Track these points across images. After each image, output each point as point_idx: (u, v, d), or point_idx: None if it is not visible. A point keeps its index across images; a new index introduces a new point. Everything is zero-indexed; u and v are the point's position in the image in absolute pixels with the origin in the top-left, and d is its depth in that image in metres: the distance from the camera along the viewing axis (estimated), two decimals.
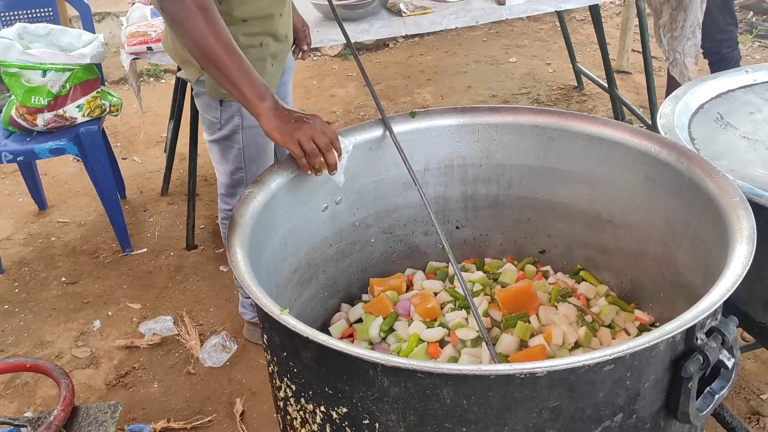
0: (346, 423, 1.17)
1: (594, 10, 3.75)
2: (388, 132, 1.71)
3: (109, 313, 2.63)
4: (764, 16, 5.10)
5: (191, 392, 2.27)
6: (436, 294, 1.74)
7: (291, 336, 1.18)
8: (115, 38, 4.84)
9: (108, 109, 2.96)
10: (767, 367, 2.23)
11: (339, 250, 1.80)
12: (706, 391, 1.16)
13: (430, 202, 1.89)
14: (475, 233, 1.93)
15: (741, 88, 1.91)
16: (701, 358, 1.11)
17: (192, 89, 2.14)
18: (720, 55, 3.50)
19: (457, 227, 1.93)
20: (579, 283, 1.76)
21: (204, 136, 2.11)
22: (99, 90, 2.92)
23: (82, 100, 2.84)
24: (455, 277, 1.76)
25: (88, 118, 2.86)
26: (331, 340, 1.09)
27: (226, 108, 1.96)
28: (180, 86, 3.27)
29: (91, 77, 2.87)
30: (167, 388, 2.29)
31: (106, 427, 1.23)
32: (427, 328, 1.56)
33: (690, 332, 1.10)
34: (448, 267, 1.87)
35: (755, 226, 1.25)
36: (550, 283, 1.75)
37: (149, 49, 2.64)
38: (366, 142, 1.75)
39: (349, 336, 1.69)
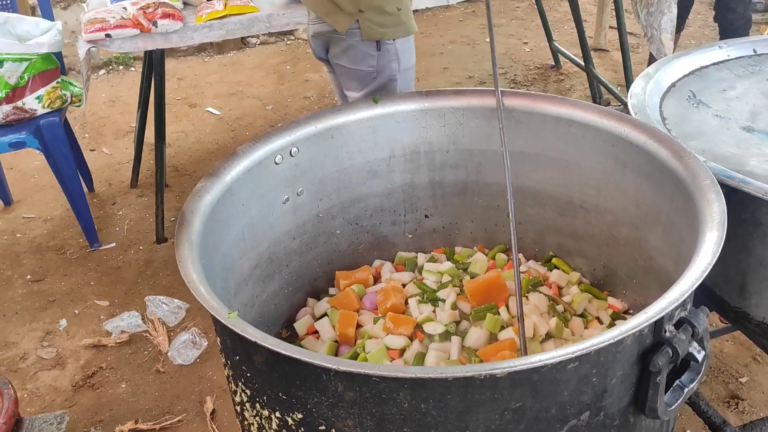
0: (303, 429, 1.12)
1: None
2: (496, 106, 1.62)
3: (76, 311, 2.56)
4: None
5: (160, 391, 2.20)
6: (404, 285, 1.68)
7: (241, 340, 1.11)
8: (81, 25, 4.72)
9: (70, 100, 2.86)
10: (746, 350, 2.20)
11: (303, 243, 1.74)
12: (675, 384, 1.11)
13: (397, 190, 1.84)
14: (444, 221, 1.87)
15: (714, 64, 1.86)
16: (670, 352, 1.06)
17: (327, 57, 2.04)
18: (737, 14, 3.51)
19: (426, 216, 1.87)
20: (551, 270, 1.71)
21: (351, 95, 2.00)
22: (59, 80, 2.82)
23: (41, 91, 2.74)
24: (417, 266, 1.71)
25: (48, 110, 2.76)
26: (281, 344, 1.03)
27: (384, 52, 1.90)
28: (147, 74, 3.18)
29: (50, 67, 2.77)
30: (135, 387, 2.22)
31: None
32: (392, 333, 1.50)
33: (658, 325, 1.05)
34: (416, 257, 1.81)
35: (726, 210, 1.20)
36: (521, 272, 1.70)
37: (108, 36, 2.54)
38: (327, 129, 1.69)
39: (315, 332, 1.63)
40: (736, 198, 1.34)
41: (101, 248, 2.90)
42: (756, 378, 2.11)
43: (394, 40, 1.90)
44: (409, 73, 1.99)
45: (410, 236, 1.88)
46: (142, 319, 2.47)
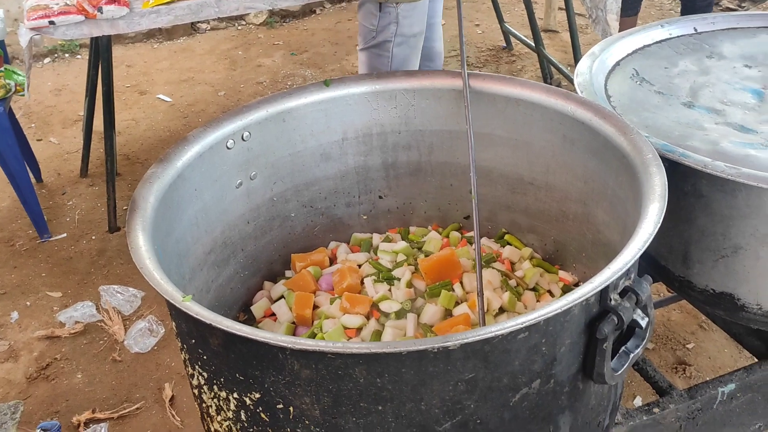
0: (261, 409, 1.13)
1: None
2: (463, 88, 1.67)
3: (28, 303, 2.51)
4: None
5: (117, 380, 2.19)
6: (359, 266, 1.70)
7: (196, 323, 1.12)
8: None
9: (14, 89, 2.79)
10: (692, 318, 2.28)
11: (257, 226, 1.73)
12: (621, 350, 1.16)
13: (351, 173, 1.85)
14: (398, 202, 1.89)
15: (656, 43, 1.91)
16: (615, 319, 1.10)
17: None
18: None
19: (380, 197, 1.88)
20: (504, 246, 1.75)
21: (358, 47, 2.26)
22: (2, 69, 2.76)
23: None
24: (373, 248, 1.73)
25: None
26: (236, 325, 1.04)
27: (385, 14, 2.10)
28: (94, 61, 3.12)
29: None
30: (92, 377, 2.20)
31: (6, 428, 1.16)
32: (348, 313, 1.51)
33: (604, 294, 1.09)
34: (371, 238, 1.83)
35: (667, 183, 1.24)
36: (474, 249, 1.72)
37: (51, 23, 2.48)
38: (279, 113, 1.68)
39: (272, 315, 1.63)
40: (678, 171, 1.39)
41: (52, 239, 2.85)
42: (702, 344, 2.19)
43: (396, 4, 2.05)
44: (408, 41, 2.14)
45: (365, 218, 1.90)
46: (97, 309, 2.44)
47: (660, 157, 1.33)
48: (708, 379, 1.59)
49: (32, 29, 2.49)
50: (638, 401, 2.00)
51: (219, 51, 4.63)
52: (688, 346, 2.19)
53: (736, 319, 1.57)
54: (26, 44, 2.50)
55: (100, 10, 2.52)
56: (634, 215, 1.28)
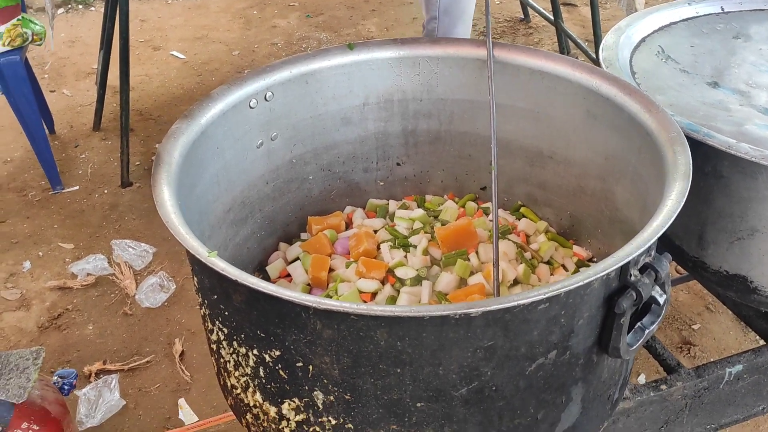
0: (279, 366, 1.15)
1: None
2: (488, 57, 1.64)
3: (40, 253, 2.54)
4: None
5: (128, 333, 2.22)
6: (376, 231, 1.71)
7: (220, 279, 1.13)
8: None
9: (30, 38, 2.78)
10: (699, 299, 2.30)
11: (276, 187, 1.74)
12: (636, 326, 1.17)
13: (370, 138, 1.85)
14: (416, 170, 1.89)
15: (683, 20, 1.89)
16: (634, 294, 1.11)
17: None
18: None
19: (398, 164, 1.88)
20: (519, 219, 1.75)
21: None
22: (20, 17, 2.73)
23: (1, 29, 2.66)
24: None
25: (8, 48, 2.68)
26: (262, 283, 1.05)
27: None
28: (110, 14, 3.09)
29: (10, 3, 2.68)
30: (102, 329, 2.23)
31: (29, 374, 1.18)
32: (364, 277, 1.53)
33: (624, 269, 1.10)
34: (387, 204, 1.83)
35: (691, 162, 1.25)
36: (490, 220, 1.73)
37: None
38: (302, 75, 1.68)
39: (287, 276, 1.65)
40: (699, 151, 1.39)
41: (64, 191, 2.86)
42: (708, 326, 2.21)
43: None
44: (451, 18, 2.09)
45: (382, 184, 1.90)
46: (108, 262, 2.46)
47: (684, 136, 1.33)
48: (712, 360, 1.62)
49: None
50: (642, 379, 2.03)
51: (234, 10, 4.59)
52: (693, 326, 2.21)
53: (747, 302, 1.58)
54: None
55: None
56: (655, 194, 1.28)
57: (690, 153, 1.27)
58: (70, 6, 4.56)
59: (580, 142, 1.64)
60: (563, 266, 1.61)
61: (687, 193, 1.17)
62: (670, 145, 1.30)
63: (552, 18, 3.90)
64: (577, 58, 3.91)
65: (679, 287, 2.31)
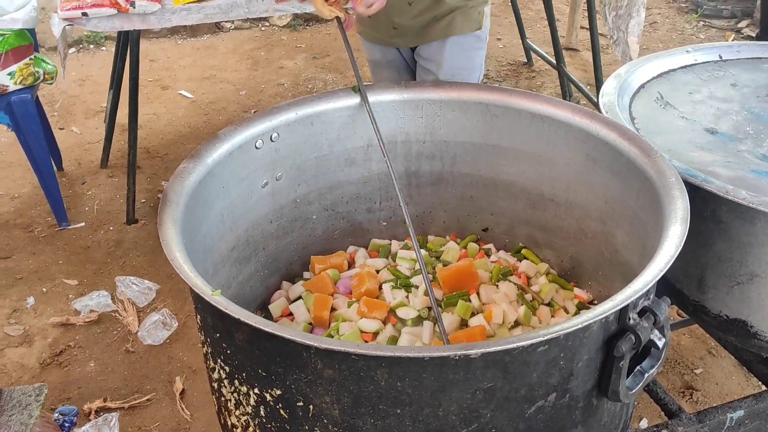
0: (280, 405, 1.15)
1: None
2: (364, 103, 1.70)
3: (44, 289, 2.55)
4: None
5: (129, 371, 2.21)
6: (378, 271, 1.72)
7: (223, 317, 1.14)
8: (54, 1, 4.64)
9: (42, 77, 2.84)
10: (701, 343, 2.30)
11: (279, 227, 1.76)
12: (636, 369, 1.17)
13: (374, 179, 1.87)
14: (418, 210, 1.91)
15: (682, 68, 1.93)
16: (633, 338, 1.12)
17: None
18: None
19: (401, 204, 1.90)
20: (520, 261, 1.77)
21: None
22: (32, 57, 2.80)
23: (13, 67, 2.72)
24: (411, 246, 1.76)
25: (20, 86, 2.74)
26: (264, 322, 1.06)
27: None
28: (121, 54, 3.15)
29: (23, 43, 2.74)
30: (104, 366, 2.23)
31: (31, 410, 1.19)
32: (365, 317, 1.54)
33: (623, 312, 1.11)
34: (390, 244, 1.85)
35: (689, 206, 1.27)
36: (492, 261, 1.75)
37: (84, 14, 2.53)
38: (308, 116, 1.71)
39: (289, 315, 1.66)
40: (698, 196, 1.41)
41: (70, 227, 2.89)
42: (710, 370, 2.20)
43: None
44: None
45: (384, 224, 1.92)
46: (112, 299, 2.47)
47: (682, 181, 1.36)
48: (714, 405, 1.61)
49: (65, 20, 2.54)
50: (644, 423, 2.01)
51: (242, 50, 4.67)
52: (696, 371, 2.20)
53: (748, 347, 1.59)
54: (60, 34, 2.55)
55: (132, 4, 2.56)
56: (654, 237, 1.30)
57: (688, 198, 1.29)
58: (81, 45, 4.65)
59: (581, 185, 1.66)
60: (564, 308, 1.62)
61: (685, 238, 1.19)
62: (669, 189, 1.32)
63: (554, 62, 3.97)
64: (579, 101, 3.97)
65: (681, 331, 2.30)
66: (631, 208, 1.51)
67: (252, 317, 1.07)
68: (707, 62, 1.96)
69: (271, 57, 4.58)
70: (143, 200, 3.07)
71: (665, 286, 1.62)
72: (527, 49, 4.41)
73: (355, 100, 1.77)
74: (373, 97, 1.78)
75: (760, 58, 1.98)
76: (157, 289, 2.52)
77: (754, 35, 4.58)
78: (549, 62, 4.12)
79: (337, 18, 1.70)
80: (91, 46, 4.66)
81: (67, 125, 3.71)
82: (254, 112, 3.91)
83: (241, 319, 1.06)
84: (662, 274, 1.11)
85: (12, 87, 2.71)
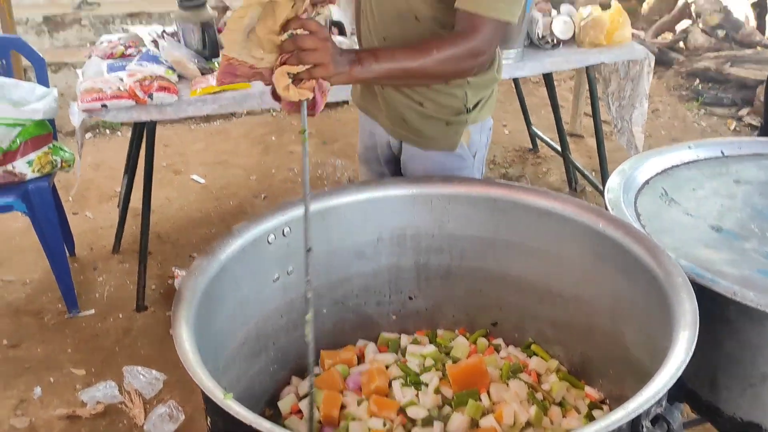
0: None
1: (547, 75, 3.86)
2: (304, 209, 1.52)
3: (52, 379, 2.54)
4: (709, 84, 5.32)
5: None
6: (387, 367, 1.72)
7: (234, 422, 1.14)
8: (71, 89, 4.78)
9: (59, 165, 2.91)
10: None
11: (290, 320, 1.77)
12: None
13: (383, 272, 1.89)
14: (427, 304, 1.92)
15: (685, 164, 1.97)
16: None
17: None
18: None
19: (410, 297, 1.92)
20: (530, 357, 1.76)
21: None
22: (51, 145, 2.87)
23: (32, 156, 2.79)
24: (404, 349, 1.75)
25: (38, 174, 2.80)
26: (276, 428, 1.06)
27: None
28: (136, 141, 3.24)
29: (42, 132, 2.83)
30: None
31: None
32: (375, 416, 1.53)
33: (635, 422, 1.10)
34: (399, 338, 1.85)
35: (698, 309, 1.27)
36: (501, 358, 1.74)
37: (104, 106, 2.62)
38: (319, 211, 1.74)
39: (299, 412, 1.65)
40: (706, 296, 1.42)
41: (80, 314, 2.89)
42: None
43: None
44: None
45: (394, 317, 1.93)
46: (119, 389, 2.46)
47: (689, 280, 1.37)
48: None
49: (85, 111, 2.62)
50: None
51: (253, 135, 4.78)
52: None
53: None
54: (79, 124, 2.63)
55: (150, 96, 2.65)
56: (664, 338, 1.30)
57: (696, 300, 1.30)
58: (97, 131, 4.78)
59: (589, 281, 1.68)
60: (575, 408, 1.60)
61: (695, 343, 1.19)
62: (677, 291, 1.34)
63: (560, 149, 4.05)
64: (584, 188, 4.03)
65: (694, 429, 2.26)
66: (639, 307, 1.51)
67: (264, 422, 1.07)
68: (709, 158, 2.00)
69: (281, 142, 4.69)
70: (153, 286, 3.09)
71: (677, 385, 1.60)
72: (532, 136, 4.51)
73: (365, 194, 1.81)
74: (383, 192, 1.82)
75: (762, 154, 2.03)
76: (164, 380, 2.50)
77: (755, 123, 4.68)
78: (554, 149, 4.21)
79: (304, 101, 1.46)
80: (107, 131, 4.79)
81: (81, 210, 3.77)
82: (264, 197, 3.98)
83: (254, 426, 1.07)
84: (674, 382, 1.11)
85: (30, 175, 2.78)
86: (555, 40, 3.21)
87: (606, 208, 1.72)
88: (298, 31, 1.38)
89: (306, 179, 1.50)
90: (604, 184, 1.87)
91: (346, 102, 5.40)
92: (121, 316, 2.90)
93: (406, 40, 1.72)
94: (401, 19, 1.73)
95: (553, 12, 3.28)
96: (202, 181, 4.13)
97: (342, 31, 3.21)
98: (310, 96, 1.44)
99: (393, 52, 1.61)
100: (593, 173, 3.95)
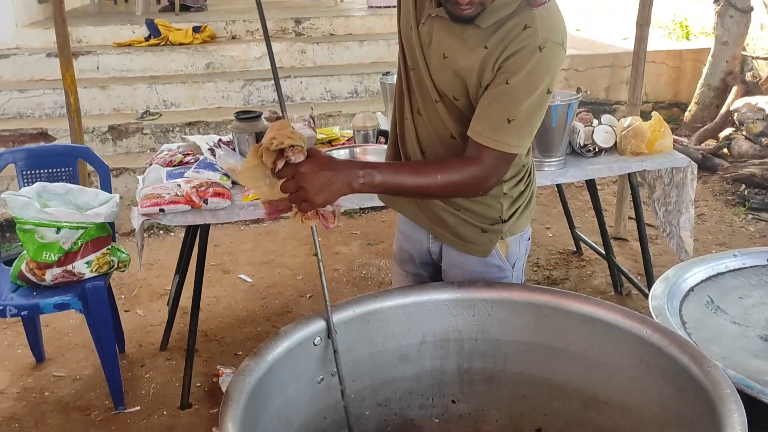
0: None
1: (590, 181, 3.92)
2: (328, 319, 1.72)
3: None
4: (756, 189, 5.29)
5: None
6: None
7: None
8: (130, 192, 5.03)
9: (116, 265, 3.03)
10: None
11: (333, 422, 1.78)
12: None
13: (426, 375, 1.90)
14: (470, 408, 1.91)
15: (730, 271, 1.97)
16: None
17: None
18: None
19: (453, 401, 1.92)
20: None
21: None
22: (109, 247, 3.00)
23: (91, 257, 2.91)
24: None
25: (95, 274, 2.92)
26: None
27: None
28: (190, 242, 3.36)
29: (102, 234, 2.96)
30: None
31: None
32: None
33: None
34: None
35: (746, 421, 1.26)
36: None
37: (161, 210, 2.75)
38: (364, 314, 1.79)
39: None
40: (756, 407, 1.39)
41: (125, 411, 2.93)
42: None
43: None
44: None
45: (437, 420, 1.92)
46: None
47: (738, 391, 1.35)
48: None
49: (144, 215, 2.76)
50: None
51: (300, 236, 4.90)
52: None
53: None
54: (138, 227, 2.76)
55: (205, 201, 2.78)
56: None
57: (744, 411, 1.28)
58: (152, 231, 4.97)
59: (635, 389, 1.66)
60: None
61: None
62: (725, 402, 1.32)
63: (604, 252, 4.04)
64: (630, 291, 3.98)
65: None
66: (687, 417, 1.49)
67: None
68: (755, 266, 2.00)
69: (327, 243, 4.79)
70: (198, 384, 3.12)
71: None
72: (576, 239, 4.51)
73: (409, 298, 1.85)
74: (426, 296, 1.86)
75: None
76: None
77: None
78: (598, 252, 4.20)
79: (313, 227, 1.72)
80: (161, 232, 4.97)
81: (133, 307, 3.88)
82: (309, 296, 4.04)
83: None
84: None
85: (88, 275, 2.90)
86: (597, 149, 3.29)
87: (651, 316, 1.72)
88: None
89: (326, 294, 1.72)
90: (649, 288, 1.88)
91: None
92: (165, 413, 2.92)
93: (443, 156, 1.82)
94: (438, 137, 1.82)
95: (594, 122, 3.37)
96: (250, 280, 4.23)
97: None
98: (315, 223, 1.67)
99: (398, 168, 1.72)
100: (638, 277, 3.91)
